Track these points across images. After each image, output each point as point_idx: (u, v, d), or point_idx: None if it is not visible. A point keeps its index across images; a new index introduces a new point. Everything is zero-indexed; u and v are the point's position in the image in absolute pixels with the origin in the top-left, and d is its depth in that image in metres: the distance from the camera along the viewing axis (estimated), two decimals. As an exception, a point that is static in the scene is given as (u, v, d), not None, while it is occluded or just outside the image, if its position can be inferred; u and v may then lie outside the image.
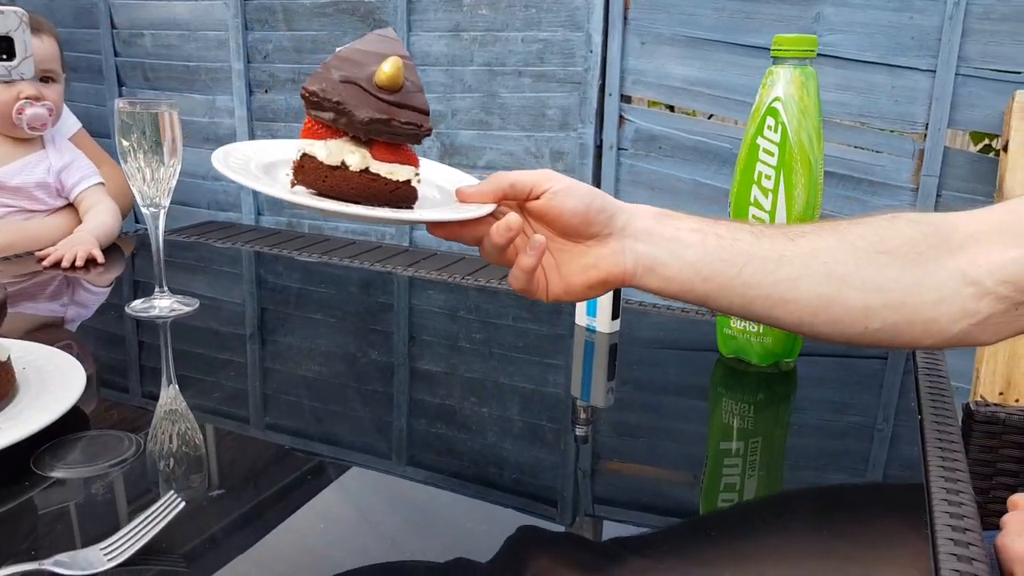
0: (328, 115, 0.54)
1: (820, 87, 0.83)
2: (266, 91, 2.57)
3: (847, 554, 0.54)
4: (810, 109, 0.84)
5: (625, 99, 2.12)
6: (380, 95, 0.54)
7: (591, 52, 2.10)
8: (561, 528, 0.54)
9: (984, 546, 0.54)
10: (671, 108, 2.20)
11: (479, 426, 0.69)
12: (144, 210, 0.98)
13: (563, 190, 0.58)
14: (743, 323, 0.85)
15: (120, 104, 0.93)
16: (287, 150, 0.63)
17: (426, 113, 0.56)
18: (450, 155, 2.34)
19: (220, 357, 0.87)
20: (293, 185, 0.58)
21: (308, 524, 0.54)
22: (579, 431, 0.71)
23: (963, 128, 1.85)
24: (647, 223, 0.60)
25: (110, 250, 1.27)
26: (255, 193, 2.68)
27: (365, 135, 0.55)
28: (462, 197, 0.59)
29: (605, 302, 0.97)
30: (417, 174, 0.58)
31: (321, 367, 0.84)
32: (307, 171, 0.56)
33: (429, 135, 0.56)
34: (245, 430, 0.69)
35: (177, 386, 0.77)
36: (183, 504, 0.51)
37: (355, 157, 0.55)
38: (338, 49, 0.57)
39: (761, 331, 0.84)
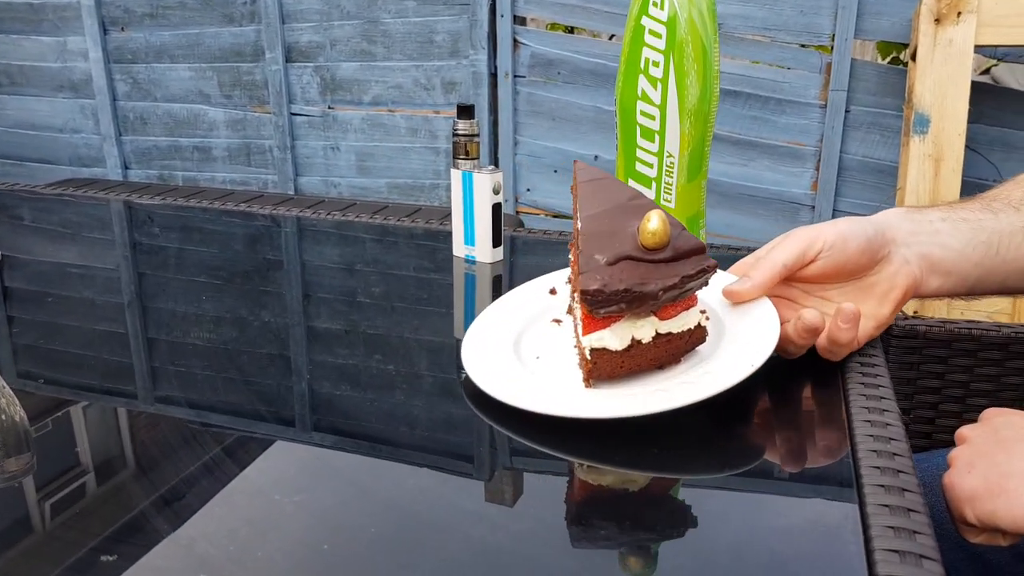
0: (617, 307, 0.49)
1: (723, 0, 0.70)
2: (122, 29, 2.29)
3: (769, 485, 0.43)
4: (701, -21, 0.70)
5: (519, 21, 1.95)
6: (655, 257, 0.49)
7: (479, -31, 1.92)
8: (480, 483, 0.48)
9: (916, 474, 0.46)
10: (570, 30, 2.04)
11: (385, 384, 0.60)
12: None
13: (838, 240, 0.56)
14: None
15: None
16: (513, 310, 0.62)
17: (703, 250, 0.50)
18: (332, 91, 2.14)
19: (33, 319, 0.69)
20: (588, 384, 0.52)
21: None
22: (461, 376, 0.61)
23: (870, 38, 1.77)
24: (907, 225, 0.59)
25: None
26: (119, 143, 2.42)
27: (659, 308, 0.51)
28: (737, 298, 0.56)
29: (484, 227, 0.83)
30: (703, 311, 0.53)
31: (209, 333, 0.70)
32: (601, 366, 0.51)
33: (716, 271, 0.51)
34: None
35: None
36: None
37: (644, 329, 0.51)
38: (578, 224, 0.54)
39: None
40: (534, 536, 0.41)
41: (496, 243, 0.84)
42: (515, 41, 1.95)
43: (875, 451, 0.47)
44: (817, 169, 1.83)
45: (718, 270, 0.52)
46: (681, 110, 0.72)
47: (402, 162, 2.15)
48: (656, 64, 0.72)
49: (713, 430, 0.50)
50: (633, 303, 0.49)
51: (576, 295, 0.56)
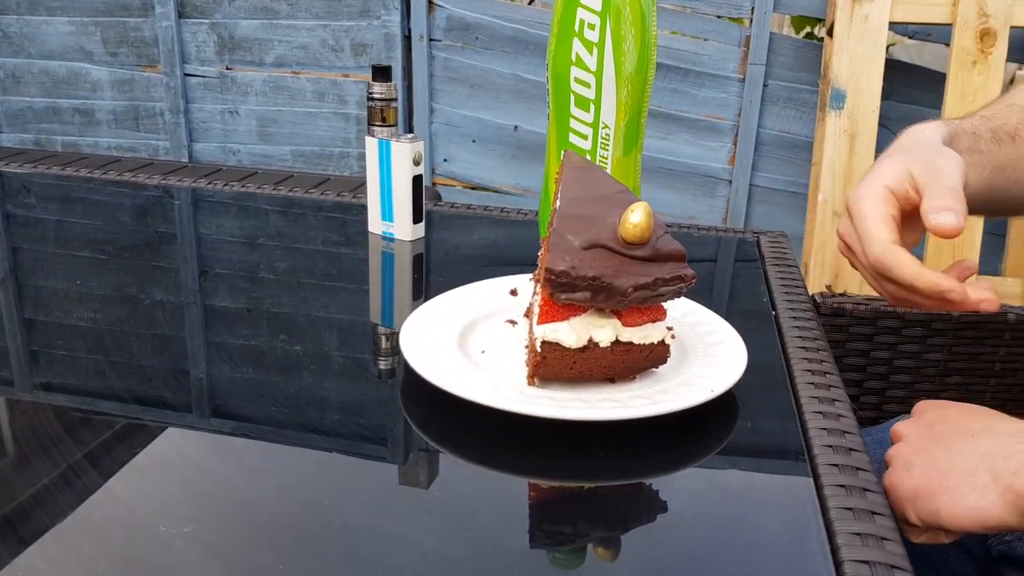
0: (582, 295, 0.45)
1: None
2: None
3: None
4: (641, -67, 0.65)
5: (433, -19, 1.86)
6: (632, 252, 0.46)
7: (390, -76, 1.81)
8: (395, 466, 0.46)
9: (869, 453, 0.46)
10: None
11: (290, 366, 0.56)
12: None
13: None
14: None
15: None
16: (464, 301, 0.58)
17: (684, 257, 0.47)
18: (230, 50, 1.99)
19: None
20: (531, 382, 0.49)
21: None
22: (383, 364, 0.58)
23: (788, 12, 1.76)
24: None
25: None
26: (-13, 103, 2.19)
27: (625, 307, 0.47)
28: (954, 234, 0.48)
29: (403, 201, 0.76)
30: (670, 328, 0.49)
31: (93, 312, 0.62)
32: (550, 362, 0.47)
33: (693, 283, 0.47)
34: None
35: None
36: None
37: (605, 331, 0.47)
38: (556, 204, 0.51)
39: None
40: (469, 562, 0.36)
41: (417, 219, 0.78)
42: (430, 2, 1.85)
43: (829, 440, 0.45)
44: (735, 143, 1.82)
45: (684, 296, 0.48)
46: (618, 77, 0.67)
47: (308, 128, 2.03)
48: (592, 27, 0.66)
49: (660, 423, 0.46)
50: (599, 294, 0.45)
51: (538, 280, 0.51)
